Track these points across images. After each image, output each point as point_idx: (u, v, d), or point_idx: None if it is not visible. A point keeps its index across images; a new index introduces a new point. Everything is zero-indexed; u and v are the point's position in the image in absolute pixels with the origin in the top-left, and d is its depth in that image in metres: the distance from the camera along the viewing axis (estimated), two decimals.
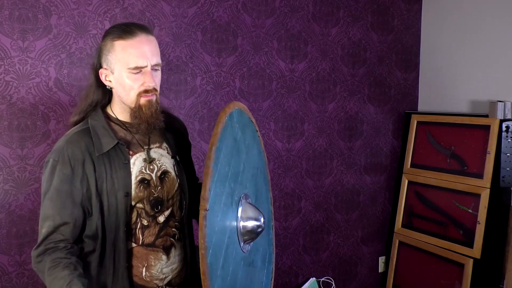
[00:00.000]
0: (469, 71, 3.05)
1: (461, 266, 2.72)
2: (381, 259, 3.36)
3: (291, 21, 2.83)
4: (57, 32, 2.17)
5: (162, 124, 1.45)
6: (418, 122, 3.13)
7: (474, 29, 3.02)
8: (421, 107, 3.40)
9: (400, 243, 3.14)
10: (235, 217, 1.41)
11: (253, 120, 1.65)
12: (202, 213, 1.21)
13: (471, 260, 2.67)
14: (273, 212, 1.80)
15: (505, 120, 2.67)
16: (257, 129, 1.69)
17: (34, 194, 2.16)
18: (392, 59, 3.26)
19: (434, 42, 3.29)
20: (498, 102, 2.70)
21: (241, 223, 1.42)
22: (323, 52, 2.97)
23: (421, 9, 3.36)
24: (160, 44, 2.41)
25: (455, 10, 3.14)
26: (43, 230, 1.37)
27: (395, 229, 3.17)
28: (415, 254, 3.03)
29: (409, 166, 3.14)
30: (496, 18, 2.89)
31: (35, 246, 1.37)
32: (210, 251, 1.24)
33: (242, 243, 1.43)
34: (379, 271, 3.37)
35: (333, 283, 3.09)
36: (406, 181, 3.15)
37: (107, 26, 2.28)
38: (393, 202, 3.30)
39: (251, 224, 1.43)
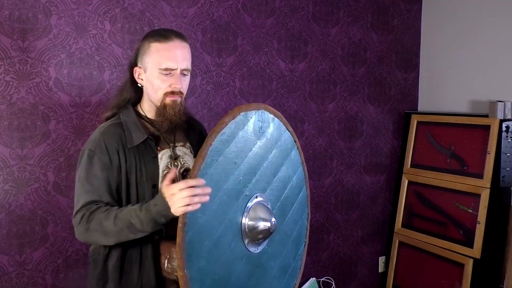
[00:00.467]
0: (469, 71, 3.05)
1: (461, 266, 2.72)
2: (381, 259, 3.36)
3: (291, 21, 2.83)
4: (57, 32, 2.17)
5: (183, 125, 1.56)
6: (418, 122, 3.13)
7: (474, 29, 3.02)
8: (421, 107, 3.40)
9: (400, 243, 3.14)
10: (240, 212, 1.43)
11: (290, 129, 1.68)
12: None
13: (471, 260, 2.67)
14: (308, 229, 1.78)
15: (505, 120, 2.67)
16: (296, 139, 1.71)
17: (34, 194, 2.16)
18: (392, 59, 3.26)
19: (434, 42, 3.29)
20: (498, 102, 2.70)
21: (246, 221, 1.44)
22: (323, 52, 2.97)
23: (421, 9, 3.36)
24: None
25: (455, 10, 3.14)
26: (82, 210, 1.41)
27: (395, 229, 3.17)
28: (415, 254, 3.03)
29: (409, 166, 3.14)
30: (496, 18, 2.89)
31: (76, 224, 1.41)
32: (193, 229, 1.26)
33: (246, 240, 1.44)
34: (379, 271, 3.37)
35: (333, 283, 3.09)
36: (406, 181, 3.15)
37: (107, 26, 2.28)
38: (393, 202, 3.30)
39: (256, 224, 1.44)
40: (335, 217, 3.12)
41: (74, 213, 1.43)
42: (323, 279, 3.09)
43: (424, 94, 3.38)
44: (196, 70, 2.54)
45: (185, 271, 1.26)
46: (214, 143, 1.34)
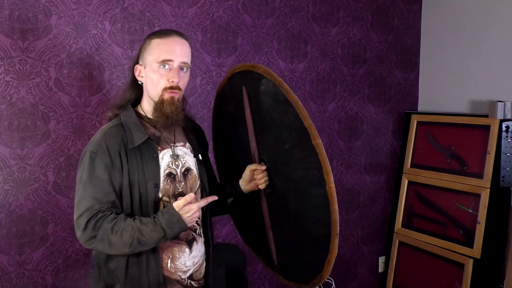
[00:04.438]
0: (469, 71, 3.05)
1: (461, 266, 2.72)
2: (381, 259, 3.36)
3: (291, 21, 2.83)
4: (57, 32, 2.17)
5: (181, 123, 1.55)
6: (418, 122, 3.13)
7: (474, 29, 3.02)
8: (421, 107, 3.40)
9: (400, 243, 3.14)
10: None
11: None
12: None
13: (471, 260, 2.67)
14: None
15: (505, 120, 2.67)
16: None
17: (34, 194, 2.16)
18: (392, 59, 3.26)
19: (434, 42, 3.29)
20: (498, 102, 2.70)
21: None
22: (323, 52, 2.97)
23: (421, 9, 3.36)
24: None
25: (455, 10, 3.14)
26: (86, 213, 1.40)
27: (395, 229, 3.17)
28: (415, 254, 3.03)
29: (409, 166, 3.14)
30: (496, 18, 2.89)
31: (81, 229, 1.40)
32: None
33: None
34: (379, 271, 3.37)
35: (333, 283, 3.09)
36: (406, 181, 3.15)
37: (107, 26, 2.28)
38: (393, 202, 3.30)
39: None
40: None
41: (76, 216, 1.41)
42: None
43: (424, 94, 3.38)
44: (196, 70, 2.54)
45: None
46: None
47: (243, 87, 1.61)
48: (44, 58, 2.15)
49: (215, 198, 1.48)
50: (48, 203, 2.19)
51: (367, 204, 3.26)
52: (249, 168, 1.64)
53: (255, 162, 1.65)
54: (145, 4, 2.37)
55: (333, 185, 1.36)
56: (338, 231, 1.39)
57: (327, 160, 1.37)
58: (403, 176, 3.17)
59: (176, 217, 1.39)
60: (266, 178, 1.63)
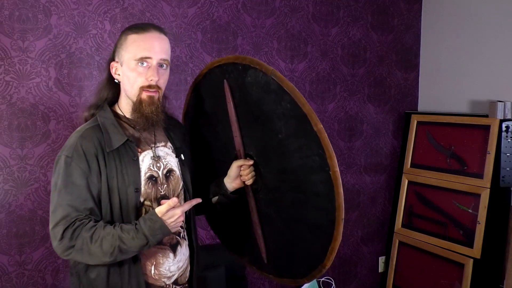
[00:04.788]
0: (469, 71, 3.05)
1: (461, 266, 2.72)
2: (381, 259, 3.36)
3: (291, 21, 2.83)
4: (57, 32, 2.17)
5: (162, 123, 1.47)
6: (418, 122, 3.13)
7: (474, 29, 3.02)
8: (421, 107, 3.40)
9: (400, 243, 3.14)
10: None
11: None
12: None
13: (471, 260, 2.67)
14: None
15: (505, 120, 2.67)
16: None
17: (34, 194, 2.16)
18: (392, 59, 3.26)
19: (434, 42, 3.29)
20: (498, 102, 2.70)
21: None
22: (323, 52, 2.97)
23: (421, 9, 3.36)
24: None
25: (455, 10, 3.14)
26: (62, 222, 1.33)
27: (395, 229, 3.17)
28: (415, 254, 3.03)
29: (409, 166, 3.14)
30: (496, 18, 2.89)
31: (57, 239, 1.32)
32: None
33: None
34: (379, 271, 3.37)
35: (333, 283, 3.09)
36: (406, 181, 3.15)
37: (107, 26, 2.28)
38: (393, 202, 3.30)
39: None
40: None
41: (51, 225, 1.33)
42: (323, 279, 3.09)
43: (424, 94, 3.38)
44: (196, 70, 2.54)
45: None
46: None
47: (225, 80, 1.52)
48: (44, 58, 2.15)
49: (199, 200, 1.42)
50: (48, 203, 2.19)
51: (367, 204, 3.26)
52: (235, 164, 1.55)
53: (240, 158, 1.57)
54: (145, 4, 2.37)
55: (337, 169, 1.30)
56: (343, 216, 1.35)
57: (330, 144, 1.31)
58: (403, 176, 3.17)
59: (159, 223, 1.31)
60: (253, 173, 1.56)
